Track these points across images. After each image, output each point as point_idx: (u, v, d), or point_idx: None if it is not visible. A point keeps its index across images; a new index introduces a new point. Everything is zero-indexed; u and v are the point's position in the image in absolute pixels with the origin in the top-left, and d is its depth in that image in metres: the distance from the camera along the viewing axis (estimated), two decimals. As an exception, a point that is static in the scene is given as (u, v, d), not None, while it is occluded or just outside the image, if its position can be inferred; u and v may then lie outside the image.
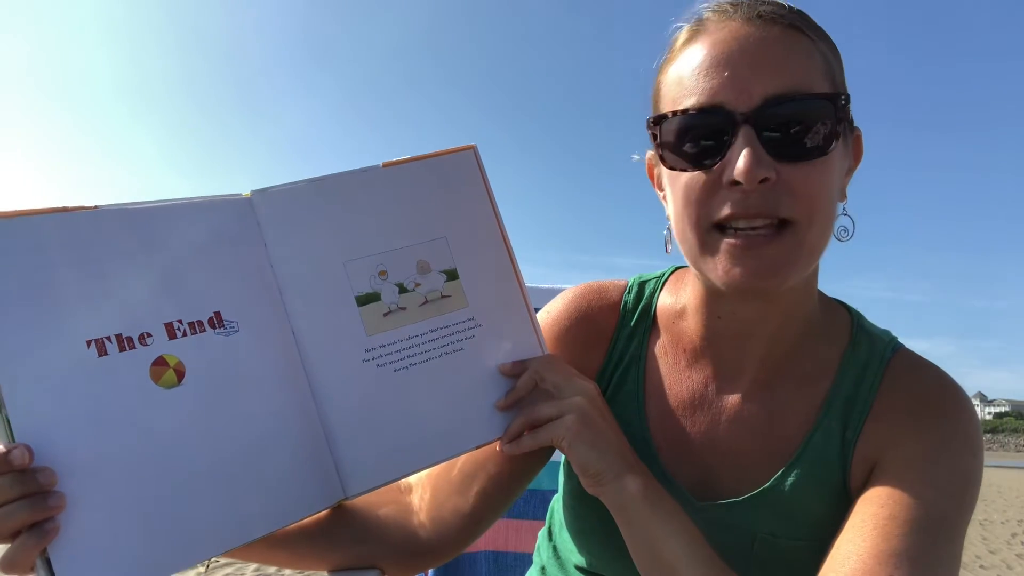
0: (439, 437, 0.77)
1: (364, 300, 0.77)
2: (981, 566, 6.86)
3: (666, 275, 0.95)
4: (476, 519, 0.87)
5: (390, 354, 0.77)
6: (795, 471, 0.79)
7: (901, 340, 0.84)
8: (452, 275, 0.80)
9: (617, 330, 0.91)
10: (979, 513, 11.44)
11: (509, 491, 0.89)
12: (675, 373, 0.88)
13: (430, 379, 0.78)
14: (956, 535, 0.71)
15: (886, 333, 0.85)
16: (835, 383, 0.81)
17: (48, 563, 0.60)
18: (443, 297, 0.80)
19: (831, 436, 0.79)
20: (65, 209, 0.67)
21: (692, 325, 0.86)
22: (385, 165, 0.80)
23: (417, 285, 0.79)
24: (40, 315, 0.64)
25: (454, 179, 0.82)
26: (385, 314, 0.77)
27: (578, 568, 0.91)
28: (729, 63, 0.71)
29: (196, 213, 0.73)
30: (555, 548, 0.97)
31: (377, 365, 0.76)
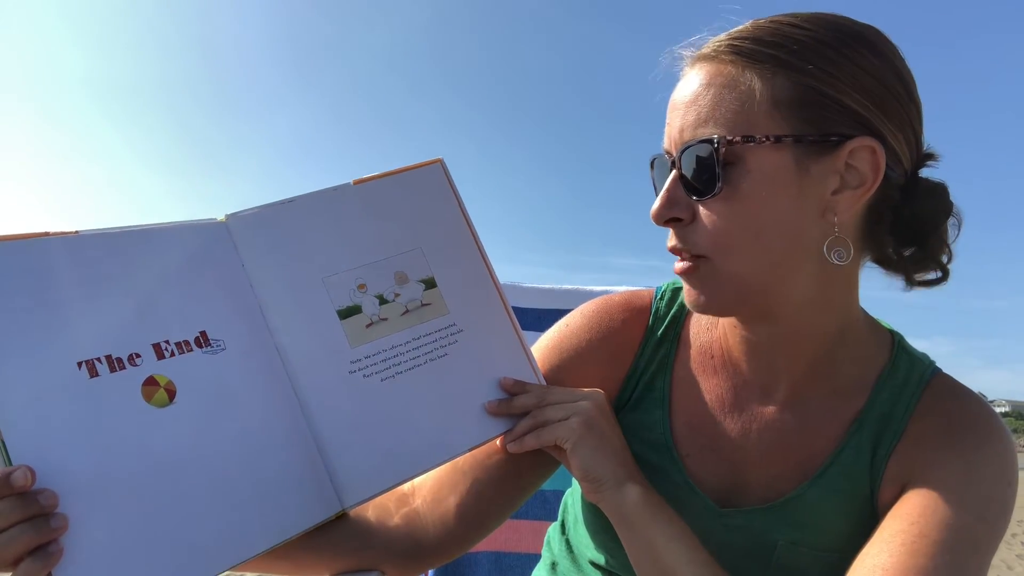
0: (432, 442, 0.80)
1: (346, 313, 0.79)
2: (982, 566, 6.75)
3: None
4: (479, 523, 0.89)
5: (376, 364, 0.79)
6: (821, 484, 0.80)
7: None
8: (430, 284, 0.84)
9: (645, 337, 0.91)
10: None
11: (513, 496, 0.90)
12: (704, 381, 0.88)
13: (418, 386, 0.80)
14: (983, 563, 0.72)
15: (926, 356, 0.85)
16: (870, 400, 0.82)
17: None
18: (423, 305, 0.83)
19: (861, 452, 0.80)
20: (46, 234, 0.69)
21: (722, 337, 0.88)
22: (356, 182, 0.83)
23: (397, 295, 0.82)
24: (28, 339, 0.65)
25: (424, 192, 0.86)
26: (367, 325, 0.80)
27: (593, 565, 0.91)
28: (670, 110, 0.78)
29: (174, 237, 0.75)
30: (568, 542, 0.97)
31: (364, 376, 0.79)
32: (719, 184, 0.73)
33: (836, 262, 0.74)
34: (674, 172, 0.76)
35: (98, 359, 0.68)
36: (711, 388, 0.87)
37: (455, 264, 0.85)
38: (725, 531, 0.82)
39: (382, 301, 0.81)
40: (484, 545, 1.41)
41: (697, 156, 0.74)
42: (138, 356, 0.70)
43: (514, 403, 0.82)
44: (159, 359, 0.71)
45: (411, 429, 0.79)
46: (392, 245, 0.83)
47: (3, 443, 0.62)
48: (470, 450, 0.81)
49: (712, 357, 0.88)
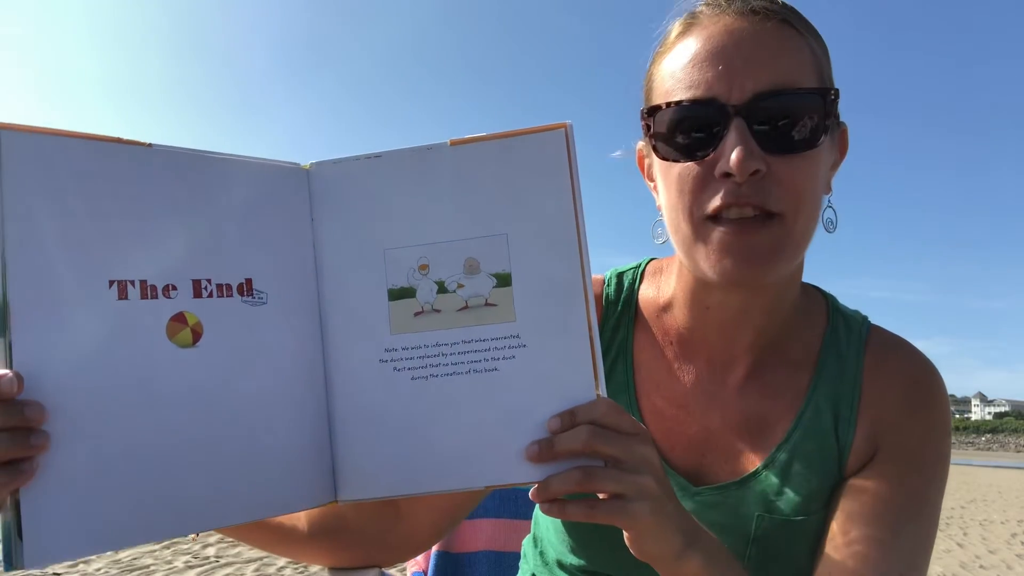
0: (446, 465, 0.69)
1: (397, 294, 0.70)
2: (981, 566, 6.68)
3: (643, 267, 0.96)
4: (455, 504, 0.89)
5: (411, 359, 0.69)
6: (786, 450, 0.82)
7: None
8: (504, 280, 0.70)
9: (601, 324, 0.91)
10: (979, 513, 11.16)
11: None
12: (664, 365, 0.88)
13: (450, 396, 0.69)
14: (937, 515, 0.81)
15: (857, 313, 0.89)
16: (819, 364, 0.85)
17: (17, 505, 0.57)
18: (487, 305, 0.69)
19: (821, 413, 0.83)
20: (119, 140, 0.65)
21: (680, 317, 0.87)
22: (453, 143, 0.71)
23: (460, 286, 0.70)
24: (69, 243, 0.61)
25: (533, 165, 0.70)
26: (416, 313, 0.70)
27: (569, 571, 0.91)
28: (722, 57, 0.73)
29: (250, 173, 0.70)
30: (542, 554, 0.96)
31: (394, 368, 0.69)
32: (824, 137, 0.73)
33: (828, 230, 0.80)
34: (743, 123, 0.71)
35: (131, 282, 0.64)
36: (671, 373, 0.88)
37: (543, 262, 0.69)
38: (702, 509, 0.82)
39: (441, 289, 0.70)
40: (484, 544, 1.38)
41: (792, 107, 0.72)
42: (174, 288, 0.66)
43: (556, 446, 0.66)
44: (195, 296, 0.67)
45: (427, 443, 0.69)
46: (472, 225, 0.70)
47: (10, 344, 0.59)
48: (488, 488, 0.69)
49: (672, 342, 0.89)
